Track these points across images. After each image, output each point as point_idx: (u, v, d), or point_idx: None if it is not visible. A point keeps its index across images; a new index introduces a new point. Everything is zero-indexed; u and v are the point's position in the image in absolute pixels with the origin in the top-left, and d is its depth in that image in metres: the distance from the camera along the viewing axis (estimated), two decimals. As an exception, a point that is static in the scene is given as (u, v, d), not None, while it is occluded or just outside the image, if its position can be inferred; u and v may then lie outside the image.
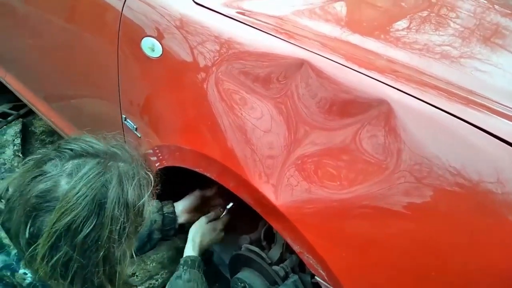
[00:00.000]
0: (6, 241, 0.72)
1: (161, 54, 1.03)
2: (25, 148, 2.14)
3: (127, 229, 0.72)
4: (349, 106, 0.80)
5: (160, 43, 1.03)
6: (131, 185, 0.74)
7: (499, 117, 0.73)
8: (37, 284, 0.71)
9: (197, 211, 1.23)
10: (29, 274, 0.71)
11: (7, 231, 0.73)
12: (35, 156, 0.77)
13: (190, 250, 1.14)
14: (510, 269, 0.65)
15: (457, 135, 0.70)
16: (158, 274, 1.55)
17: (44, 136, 2.24)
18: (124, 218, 0.71)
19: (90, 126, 1.45)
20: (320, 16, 1.14)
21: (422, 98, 0.75)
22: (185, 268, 1.08)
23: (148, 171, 0.81)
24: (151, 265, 1.58)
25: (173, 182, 1.05)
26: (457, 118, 0.71)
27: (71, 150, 0.74)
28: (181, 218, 1.20)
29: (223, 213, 1.25)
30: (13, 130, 2.18)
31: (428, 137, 0.72)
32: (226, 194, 1.09)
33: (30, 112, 2.24)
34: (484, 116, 0.73)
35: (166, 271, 1.56)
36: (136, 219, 0.75)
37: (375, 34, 1.07)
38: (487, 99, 0.80)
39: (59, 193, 0.68)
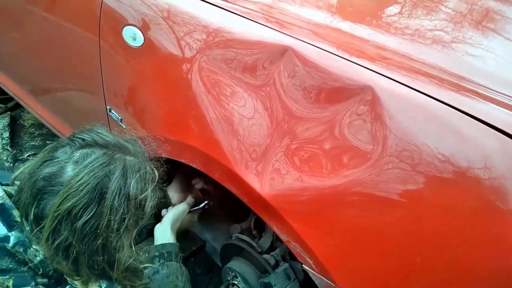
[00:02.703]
0: (19, 218, 0.75)
1: (143, 43, 1.00)
2: (14, 142, 2.12)
3: (126, 221, 0.74)
4: (336, 94, 0.79)
5: (142, 32, 1.00)
6: (134, 178, 0.75)
7: (488, 103, 0.72)
8: (48, 261, 0.73)
9: (186, 191, 1.25)
10: (40, 251, 0.73)
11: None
12: (51, 145, 0.80)
13: (168, 234, 1.11)
14: (498, 255, 0.65)
15: (445, 121, 0.69)
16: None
17: (33, 129, 2.21)
18: (124, 209, 0.73)
19: (76, 118, 1.45)
20: (309, 2, 1.12)
21: (412, 85, 0.73)
22: (161, 261, 1.06)
23: (156, 167, 0.83)
24: (143, 256, 1.58)
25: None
26: (447, 105, 0.69)
27: (83, 139, 0.76)
28: (174, 199, 1.22)
29: (198, 207, 1.24)
30: (1, 124, 2.16)
31: (417, 124, 0.71)
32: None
33: (18, 105, 2.21)
34: (473, 102, 0.71)
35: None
36: (136, 212, 0.76)
37: (366, 20, 1.05)
38: (478, 85, 0.79)
39: (63, 178, 0.71)
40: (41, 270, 0.73)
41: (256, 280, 1.08)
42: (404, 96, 0.73)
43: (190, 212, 1.22)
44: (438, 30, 1.03)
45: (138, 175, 0.76)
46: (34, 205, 0.71)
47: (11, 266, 0.73)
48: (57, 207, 0.69)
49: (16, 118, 2.27)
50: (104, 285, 0.76)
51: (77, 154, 0.74)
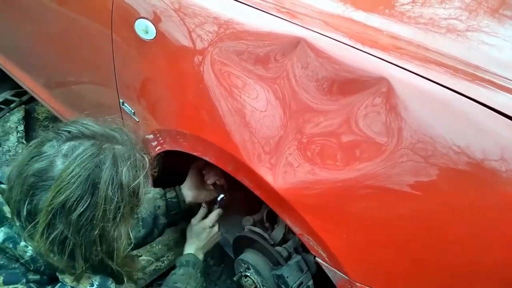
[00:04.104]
0: (9, 214, 0.74)
1: (155, 36, 1.00)
2: (29, 135, 2.15)
3: (121, 209, 0.74)
4: (350, 85, 0.78)
5: (154, 25, 1.00)
6: (125, 166, 0.75)
7: (505, 93, 0.70)
8: (38, 257, 0.73)
9: (201, 188, 1.26)
10: (30, 247, 0.73)
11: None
12: (37, 140, 0.79)
13: (189, 248, 1.20)
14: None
15: (461, 112, 0.68)
16: (164, 256, 1.57)
17: (47, 122, 2.24)
18: (118, 198, 0.73)
19: (90, 111, 1.46)
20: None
21: (426, 75, 0.72)
22: (180, 267, 1.14)
23: (145, 153, 0.82)
24: (157, 247, 1.60)
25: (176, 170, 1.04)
26: (462, 95, 0.68)
27: (69, 132, 0.76)
28: (189, 196, 1.23)
29: (214, 207, 1.26)
30: (16, 117, 2.18)
31: (432, 115, 0.69)
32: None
33: (33, 99, 2.23)
34: (489, 93, 0.70)
35: (172, 253, 1.58)
36: (131, 200, 0.77)
37: (379, 10, 1.03)
38: (493, 75, 0.77)
39: (54, 172, 0.71)
40: (32, 266, 0.73)
41: (268, 272, 1.09)
42: (418, 86, 0.71)
43: (203, 219, 1.24)
44: (453, 18, 1.01)
45: (128, 163, 0.76)
46: (27, 202, 0.71)
47: (1, 262, 0.72)
48: (51, 201, 0.69)
49: (30, 111, 2.30)
50: (97, 283, 0.76)
51: (65, 147, 0.73)
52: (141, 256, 1.49)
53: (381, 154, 0.72)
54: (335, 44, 0.80)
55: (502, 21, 1.06)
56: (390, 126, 0.72)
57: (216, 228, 1.24)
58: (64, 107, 1.64)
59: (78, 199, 0.70)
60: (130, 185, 0.75)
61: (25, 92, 2.21)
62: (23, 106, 2.28)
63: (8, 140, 2.08)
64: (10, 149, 2.05)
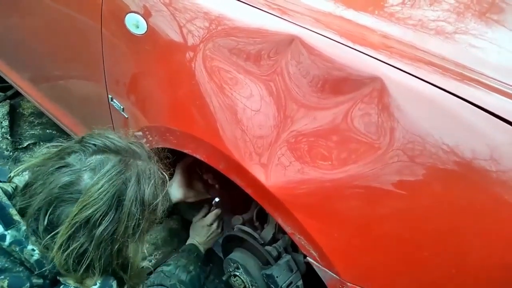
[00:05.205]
0: (17, 217, 0.74)
1: (146, 31, 0.99)
2: (13, 130, 2.10)
3: (141, 226, 0.77)
4: (341, 84, 0.78)
5: (145, 20, 0.98)
6: (148, 185, 0.78)
7: (493, 93, 0.71)
8: (44, 262, 0.73)
9: (190, 185, 1.26)
10: (36, 251, 0.73)
11: (20, 211, 0.75)
12: (56, 144, 0.80)
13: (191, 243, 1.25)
14: (504, 248, 0.64)
15: (450, 111, 0.68)
16: (152, 255, 1.55)
17: (32, 118, 2.19)
18: (139, 215, 0.76)
19: (78, 108, 1.43)
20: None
21: (416, 74, 0.72)
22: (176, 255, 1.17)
23: (163, 170, 0.85)
24: (144, 246, 1.58)
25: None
26: (451, 94, 0.69)
27: (95, 145, 0.77)
28: (178, 195, 1.23)
29: (211, 209, 1.30)
30: (0, 112, 2.13)
31: (422, 114, 0.70)
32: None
33: (18, 94, 2.18)
34: (478, 92, 0.70)
35: (159, 252, 1.56)
36: (150, 217, 0.80)
37: (369, 9, 1.04)
38: (481, 75, 0.78)
39: (81, 186, 0.72)
40: (37, 269, 0.73)
41: (258, 272, 1.08)
42: (410, 86, 0.72)
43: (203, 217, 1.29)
44: (441, 20, 1.02)
45: (152, 181, 0.79)
46: (49, 212, 0.71)
47: (6, 265, 0.72)
48: (75, 214, 0.70)
49: (16, 106, 2.24)
50: (99, 281, 0.76)
51: (92, 160, 0.75)
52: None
53: (372, 154, 0.72)
54: (330, 42, 0.80)
55: (489, 24, 1.08)
56: (382, 126, 0.72)
57: (215, 226, 1.28)
58: (51, 102, 1.61)
59: (103, 214, 0.71)
60: (152, 203, 0.78)
61: (10, 87, 2.16)
62: (8, 101, 2.22)
63: (-9, 135, 2.03)
64: (-6, 144, 2.00)
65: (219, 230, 1.30)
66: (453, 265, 0.68)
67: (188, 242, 1.27)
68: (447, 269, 0.69)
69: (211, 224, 1.27)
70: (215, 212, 1.28)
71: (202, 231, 1.27)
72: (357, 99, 0.75)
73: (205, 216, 1.30)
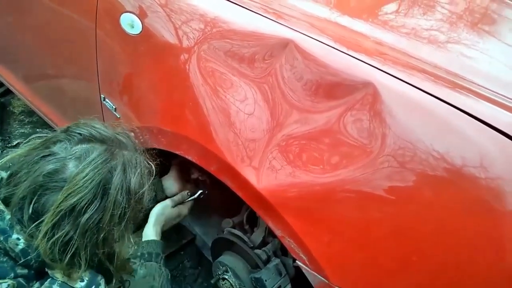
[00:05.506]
0: (1, 206, 0.73)
1: (141, 31, 0.98)
2: (3, 129, 2.08)
3: (127, 214, 0.76)
4: (334, 89, 0.78)
5: (140, 20, 0.98)
6: (134, 174, 0.77)
7: (483, 101, 0.72)
8: (29, 250, 0.72)
9: (184, 180, 1.26)
10: (21, 240, 0.72)
11: (4, 200, 0.74)
12: (41, 135, 0.79)
13: (152, 233, 1.10)
14: (493, 254, 0.65)
15: (441, 118, 0.69)
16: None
17: (23, 117, 2.17)
18: (125, 204, 0.75)
19: (69, 107, 1.42)
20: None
21: (409, 81, 0.73)
22: (141, 261, 1.05)
23: (150, 160, 0.84)
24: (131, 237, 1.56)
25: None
26: (443, 102, 0.69)
27: (80, 134, 0.77)
28: (173, 188, 1.22)
29: (190, 198, 1.23)
30: (-10, 110, 2.11)
31: (413, 120, 0.70)
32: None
33: (8, 91, 2.16)
34: (469, 100, 0.71)
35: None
36: (136, 206, 0.79)
37: (364, 17, 1.05)
38: (472, 83, 0.79)
39: (66, 174, 0.71)
40: (22, 259, 0.72)
41: (247, 275, 1.08)
42: (403, 92, 0.72)
43: (184, 203, 1.22)
44: (434, 29, 1.04)
45: (137, 170, 0.78)
46: (34, 200, 0.70)
47: None
48: (60, 202, 0.69)
49: (6, 104, 2.22)
50: (87, 278, 0.75)
51: (78, 149, 0.74)
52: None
53: (364, 158, 0.72)
54: (325, 47, 0.80)
55: (481, 34, 1.10)
56: (373, 131, 0.72)
57: (177, 209, 1.19)
58: (42, 101, 1.59)
59: (88, 202, 0.71)
60: (137, 192, 0.78)
61: (1, 84, 2.14)
62: (-2, 99, 2.20)
63: (-20, 133, 2.01)
64: (-17, 142, 1.97)
65: (178, 219, 1.20)
66: (441, 269, 0.69)
67: (150, 228, 1.11)
68: (435, 274, 0.69)
69: (187, 215, 1.22)
70: (182, 194, 1.21)
71: (174, 219, 1.18)
72: (349, 104, 0.76)
73: (182, 202, 1.21)
